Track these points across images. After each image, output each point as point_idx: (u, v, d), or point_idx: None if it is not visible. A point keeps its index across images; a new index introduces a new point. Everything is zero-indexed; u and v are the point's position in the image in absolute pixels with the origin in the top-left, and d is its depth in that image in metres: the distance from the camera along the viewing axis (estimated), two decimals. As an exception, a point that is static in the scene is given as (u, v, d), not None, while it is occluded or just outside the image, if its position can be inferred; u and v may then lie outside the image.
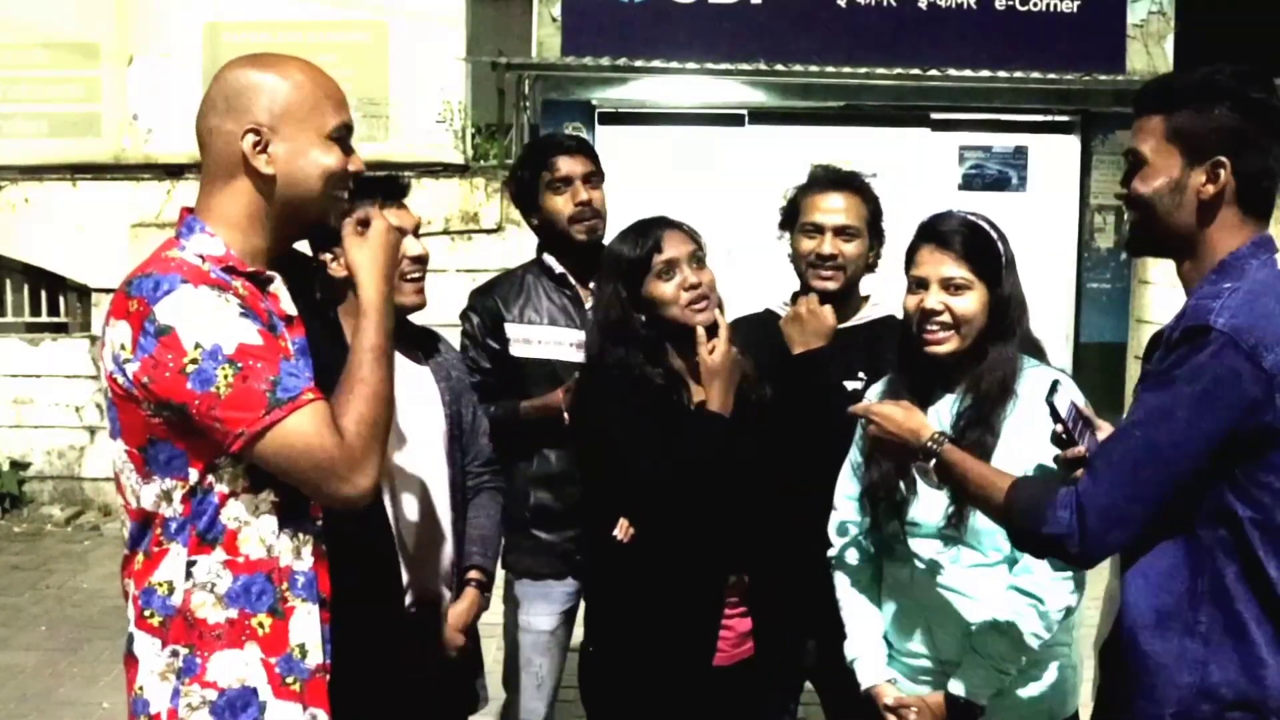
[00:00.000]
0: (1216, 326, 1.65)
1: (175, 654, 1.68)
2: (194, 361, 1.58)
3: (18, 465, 7.31)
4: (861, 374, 2.58)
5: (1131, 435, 1.72)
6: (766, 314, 2.77)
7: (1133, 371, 7.46)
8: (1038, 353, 2.27)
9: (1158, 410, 1.68)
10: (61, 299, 7.58)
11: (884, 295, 2.76)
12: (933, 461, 1.98)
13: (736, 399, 2.37)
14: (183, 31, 7.29)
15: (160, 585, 1.68)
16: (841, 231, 2.63)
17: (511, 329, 2.95)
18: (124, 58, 7.41)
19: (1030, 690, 2.21)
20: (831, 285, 2.63)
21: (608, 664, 2.43)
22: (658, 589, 2.33)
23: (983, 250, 2.19)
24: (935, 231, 2.21)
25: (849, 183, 2.68)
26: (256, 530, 1.69)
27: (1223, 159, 1.74)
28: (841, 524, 2.39)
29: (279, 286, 1.77)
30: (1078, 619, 2.26)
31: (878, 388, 2.37)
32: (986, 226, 2.22)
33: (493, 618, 2.77)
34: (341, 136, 1.78)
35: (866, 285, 2.78)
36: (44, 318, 7.59)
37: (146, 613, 1.70)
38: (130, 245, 6.98)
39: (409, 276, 2.41)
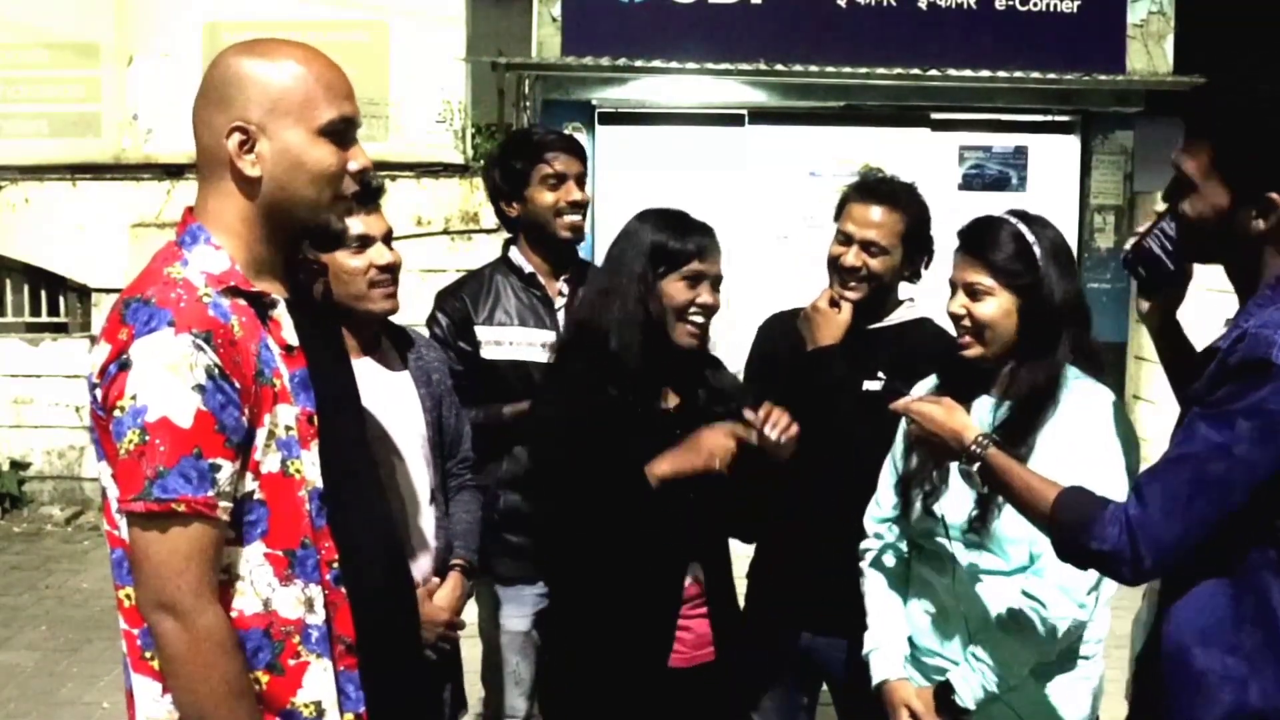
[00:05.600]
0: (1278, 363, 1.59)
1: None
2: (121, 409, 1.52)
3: (18, 465, 7.31)
4: (881, 374, 2.58)
5: (1186, 467, 1.67)
6: (799, 311, 2.75)
7: (1133, 371, 7.46)
8: (1093, 365, 2.21)
9: (1216, 447, 1.63)
10: (61, 299, 7.58)
11: (924, 298, 2.75)
12: (976, 465, 1.93)
13: (699, 408, 2.31)
14: (183, 31, 7.29)
15: None
16: (869, 246, 2.60)
17: (481, 331, 2.89)
18: (124, 58, 7.41)
19: (1049, 694, 2.18)
20: (851, 295, 2.61)
21: (564, 666, 2.36)
22: (613, 586, 2.26)
23: (1007, 256, 2.15)
24: (964, 236, 2.23)
25: (891, 197, 2.64)
26: (250, 584, 1.60)
27: (1274, 196, 1.64)
28: (877, 517, 2.40)
29: (281, 312, 1.66)
30: (1106, 630, 2.23)
31: (923, 388, 2.34)
32: (1024, 230, 2.17)
33: (467, 617, 2.71)
34: (339, 130, 1.65)
35: (908, 288, 2.76)
36: (44, 318, 7.58)
37: (147, 654, 1.61)
38: (130, 245, 6.99)
39: (378, 284, 2.37)
